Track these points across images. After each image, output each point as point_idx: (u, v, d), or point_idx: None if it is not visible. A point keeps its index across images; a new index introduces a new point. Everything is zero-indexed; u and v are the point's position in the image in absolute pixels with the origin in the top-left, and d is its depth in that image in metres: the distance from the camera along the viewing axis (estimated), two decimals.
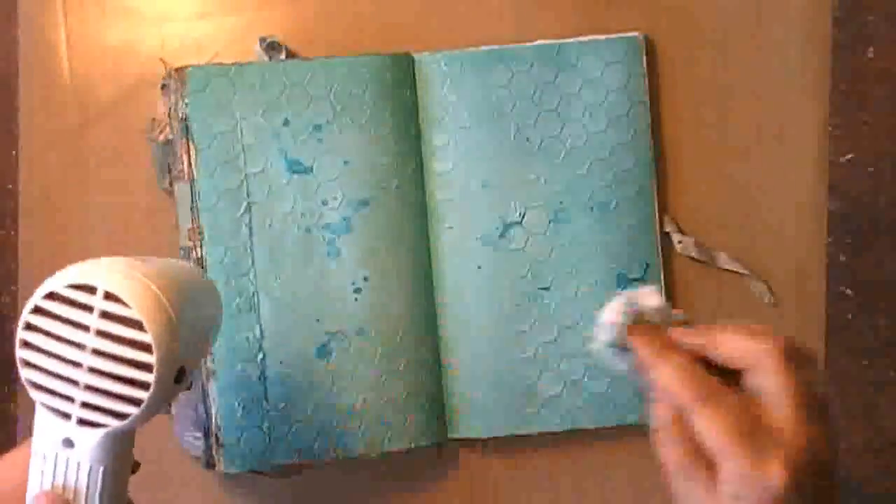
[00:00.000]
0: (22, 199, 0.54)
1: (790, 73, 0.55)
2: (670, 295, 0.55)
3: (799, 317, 0.55)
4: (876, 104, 0.55)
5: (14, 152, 0.54)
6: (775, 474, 0.33)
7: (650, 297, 0.39)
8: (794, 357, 0.35)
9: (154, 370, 0.34)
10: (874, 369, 0.55)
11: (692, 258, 0.55)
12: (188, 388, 0.52)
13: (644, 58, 0.53)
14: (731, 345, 0.36)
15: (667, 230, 0.54)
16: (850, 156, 0.55)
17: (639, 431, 0.54)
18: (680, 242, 0.54)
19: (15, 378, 0.55)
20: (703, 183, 0.55)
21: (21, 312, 0.53)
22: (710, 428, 0.34)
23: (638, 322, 0.38)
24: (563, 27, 0.54)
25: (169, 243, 0.54)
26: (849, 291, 0.55)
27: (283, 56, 0.53)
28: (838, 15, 0.55)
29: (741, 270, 0.55)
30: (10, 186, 0.54)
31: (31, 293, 0.53)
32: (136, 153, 0.54)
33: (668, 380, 0.36)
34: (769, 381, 0.35)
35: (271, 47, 0.53)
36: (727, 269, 0.55)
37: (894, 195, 0.55)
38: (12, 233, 0.54)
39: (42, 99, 0.54)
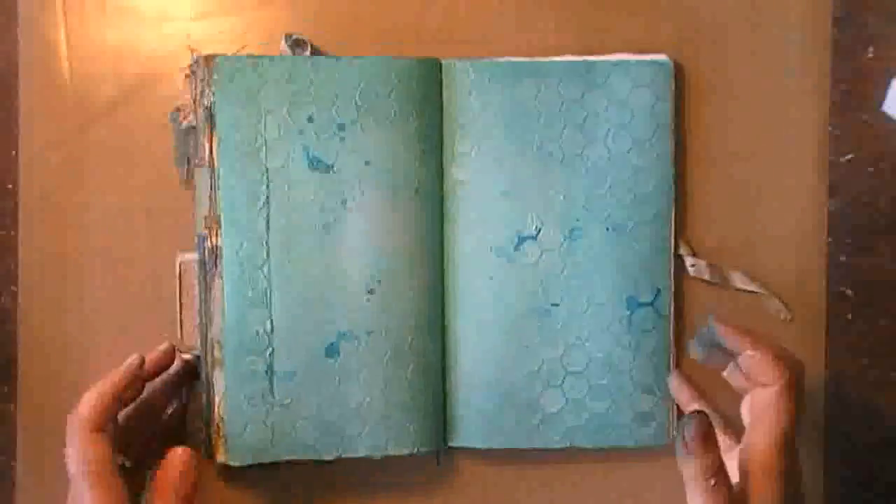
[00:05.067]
0: (22, 199, 0.54)
1: (790, 73, 0.55)
2: (681, 318, 0.54)
3: (799, 317, 0.55)
4: (876, 104, 0.55)
5: (14, 152, 0.54)
6: None
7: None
8: (793, 391, 0.43)
9: None
10: (874, 369, 0.55)
11: (705, 280, 0.54)
12: (196, 378, 0.53)
13: (672, 82, 0.53)
14: (757, 367, 0.44)
15: (680, 253, 0.54)
16: (850, 156, 0.55)
17: (636, 456, 0.55)
18: (693, 266, 0.54)
19: (15, 378, 0.55)
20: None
21: (21, 312, 0.53)
22: None
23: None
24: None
25: (168, 245, 0.54)
26: (849, 291, 0.55)
27: (307, 53, 0.53)
28: (838, 15, 0.55)
29: (756, 290, 0.54)
30: (10, 186, 0.54)
31: (31, 293, 0.54)
32: (137, 153, 0.54)
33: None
34: (768, 408, 0.43)
35: (297, 44, 0.53)
36: (741, 289, 0.55)
37: (894, 195, 0.55)
38: (12, 233, 0.54)
39: (42, 99, 0.54)
